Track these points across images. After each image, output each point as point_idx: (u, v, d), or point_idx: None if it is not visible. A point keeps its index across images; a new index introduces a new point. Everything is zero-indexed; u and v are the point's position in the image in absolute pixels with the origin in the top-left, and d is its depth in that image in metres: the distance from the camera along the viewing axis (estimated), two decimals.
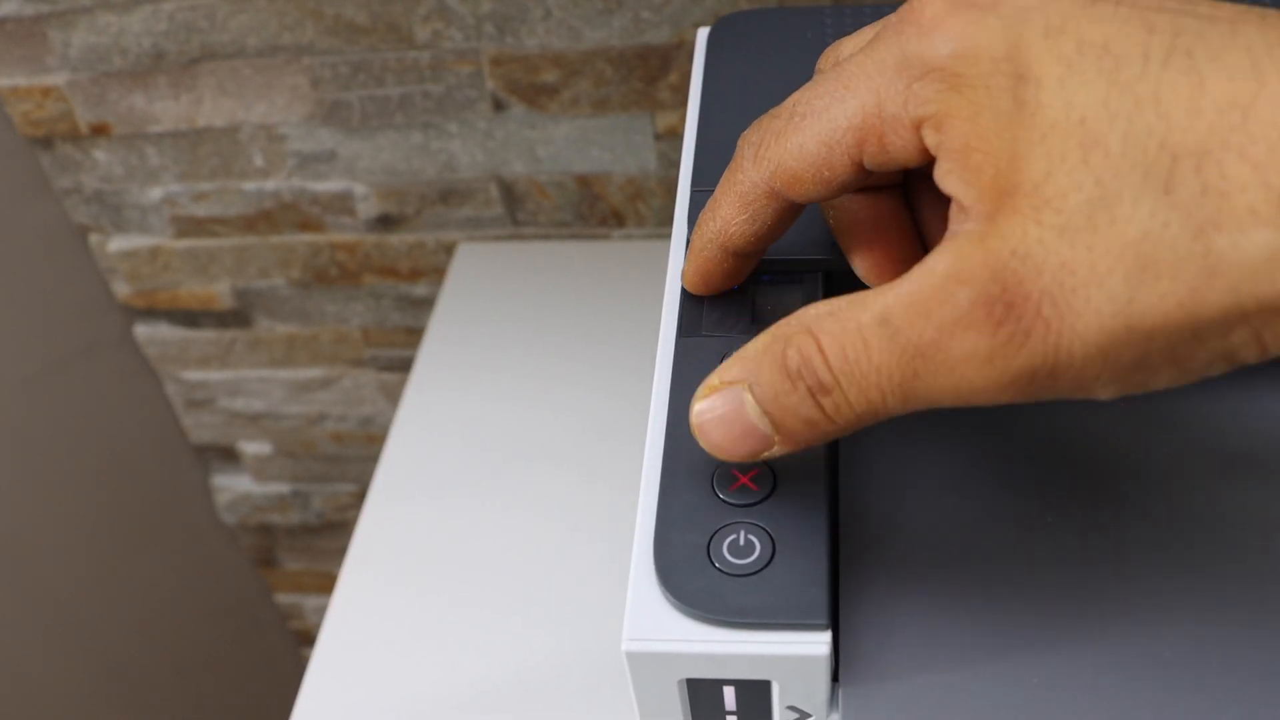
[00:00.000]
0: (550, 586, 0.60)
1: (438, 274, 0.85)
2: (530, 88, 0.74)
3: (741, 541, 0.29)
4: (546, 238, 0.83)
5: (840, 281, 0.38)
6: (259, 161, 0.81)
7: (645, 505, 0.31)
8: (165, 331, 0.94)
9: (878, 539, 0.32)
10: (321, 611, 1.16)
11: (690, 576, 0.29)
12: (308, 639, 1.20)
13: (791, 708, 0.29)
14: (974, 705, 0.28)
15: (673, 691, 0.30)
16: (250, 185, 0.82)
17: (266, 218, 0.84)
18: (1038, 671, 0.29)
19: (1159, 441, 0.34)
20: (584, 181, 0.79)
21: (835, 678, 0.29)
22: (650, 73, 0.72)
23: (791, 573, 0.28)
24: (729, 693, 0.30)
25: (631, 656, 0.29)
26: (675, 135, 0.75)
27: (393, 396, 0.95)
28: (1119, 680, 0.28)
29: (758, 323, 0.34)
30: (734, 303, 0.35)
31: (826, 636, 0.28)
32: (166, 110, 0.79)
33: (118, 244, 0.88)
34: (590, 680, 0.56)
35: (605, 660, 0.56)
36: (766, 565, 0.29)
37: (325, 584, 1.14)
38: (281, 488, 1.06)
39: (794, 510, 0.30)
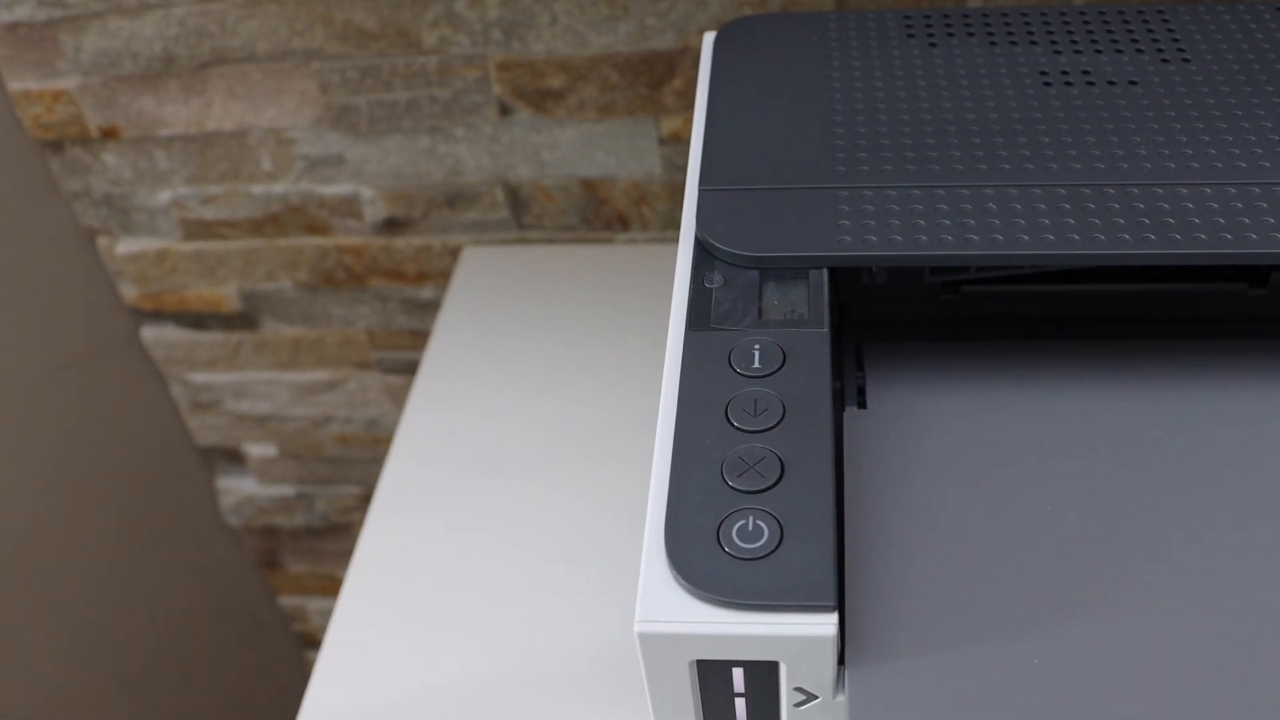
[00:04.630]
0: (556, 589, 0.60)
1: (443, 277, 0.86)
2: (536, 93, 0.75)
3: (750, 527, 0.30)
4: (551, 241, 0.83)
5: (843, 276, 0.39)
6: (267, 165, 0.81)
7: (656, 492, 0.32)
8: (172, 334, 0.94)
9: (883, 525, 0.32)
10: (325, 614, 1.16)
11: (701, 560, 0.30)
12: (311, 641, 1.20)
13: (798, 689, 0.30)
14: (976, 687, 0.29)
15: (683, 673, 0.30)
16: (258, 188, 0.83)
17: (274, 221, 0.85)
18: (1038, 653, 0.29)
19: (1162, 434, 0.35)
20: (589, 185, 0.79)
21: (841, 660, 0.30)
22: (655, 78, 0.73)
23: (799, 556, 0.29)
24: (738, 674, 0.30)
25: (644, 638, 0.29)
26: (679, 140, 0.76)
27: (398, 399, 0.95)
28: (1119, 660, 0.29)
29: (764, 316, 0.35)
30: (741, 297, 0.36)
31: (833, 618, 0.28)
32: (176, 114, 0.79)
33: (126, 246, 0.88)
34: (596, 684, 0.56)
35: (611, 664, 0.57)
36: (775, 549, 0.29)
37: (329, 586, 1.15)
38: (286, 490, 1.06)
39: (801, 497, 0.30)
